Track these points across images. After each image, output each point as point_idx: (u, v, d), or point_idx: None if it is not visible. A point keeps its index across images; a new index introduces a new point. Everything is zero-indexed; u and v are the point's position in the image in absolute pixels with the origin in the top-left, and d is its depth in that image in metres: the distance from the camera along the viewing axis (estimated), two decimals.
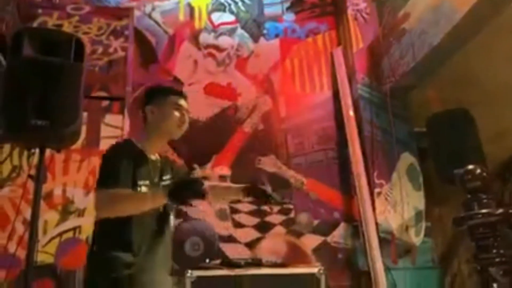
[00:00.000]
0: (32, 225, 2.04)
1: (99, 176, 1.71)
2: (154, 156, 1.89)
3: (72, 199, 3.03)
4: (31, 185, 2.14)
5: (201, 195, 1.62)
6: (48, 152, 2.22)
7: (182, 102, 1.92)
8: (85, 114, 2.93)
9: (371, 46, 3.96)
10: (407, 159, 3.74)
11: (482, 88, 3.51)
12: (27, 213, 2.58)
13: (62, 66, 2.13)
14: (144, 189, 1.74)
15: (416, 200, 3.62)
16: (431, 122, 3.50)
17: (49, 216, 2.96)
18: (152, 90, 2.02)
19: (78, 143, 2.77)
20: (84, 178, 3.10)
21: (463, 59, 3.29)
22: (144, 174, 1.78)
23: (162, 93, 1.93)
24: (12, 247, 2.76)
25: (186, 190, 1.63)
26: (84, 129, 2.99)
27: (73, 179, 3.08)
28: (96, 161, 3.14)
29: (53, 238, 2.93)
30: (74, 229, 2.97)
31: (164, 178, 1.89)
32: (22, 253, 2.35)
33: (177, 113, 1.89)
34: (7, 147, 3.09)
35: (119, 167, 1.70)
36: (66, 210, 3.00)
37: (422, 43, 3.31)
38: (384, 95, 3.77)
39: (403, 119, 3.83)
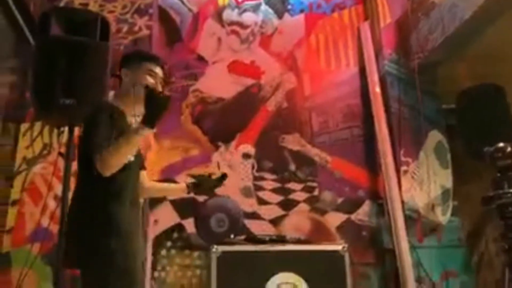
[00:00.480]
0: (63, 200, 2.11)
1: (91, 139, 1.76)
2: (133, 118, 1.91)
3: None
4: (61, 162, 2.20)
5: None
6: (76, 130, 2.27)
7: (157, 69, 1.95)
8: (111, 92, 2.97)
9: (399, 21, 3.85)
10: (435, 136, 3.67)
11: None
12: (58, 189, 2.67)
13: (88, 45, 2.16)
14: None
15: (443, 178, 3.57)
16: (461, 98, 3.41)
17: None
18: (128, 54, 2.07)
19: None
20: None
21: (495, 33, 3.16)
22: (125, 130, 1.83)
23: (137, 58, 1.98)
24: (45, 222, 2.88)
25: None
26: None
27: None
28: None
29: None
30: None
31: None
32: (54, 227, 2.44)
33: (150, 79, 1.92)
34: (38, 125, 3.18)
35: (105, 127, 1.77)
36: None
37: (453, 17, 3.19)
38: (412, 71, 3.68)
39: (432, 96, 3.74)
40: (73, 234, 1.81)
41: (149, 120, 1.70)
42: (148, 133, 1.75)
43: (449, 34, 3.25)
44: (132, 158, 1.84)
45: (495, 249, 3.48)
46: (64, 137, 2.20)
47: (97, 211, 1.77)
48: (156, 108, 1.72)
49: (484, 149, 2.69)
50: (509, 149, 2.59)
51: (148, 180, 2.19)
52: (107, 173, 1.72)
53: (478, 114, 3.17)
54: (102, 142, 1.72)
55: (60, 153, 2.21)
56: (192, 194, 2.16)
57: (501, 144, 2.61)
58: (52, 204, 2.93)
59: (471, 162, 3.29)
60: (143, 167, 2.11)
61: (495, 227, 2.96)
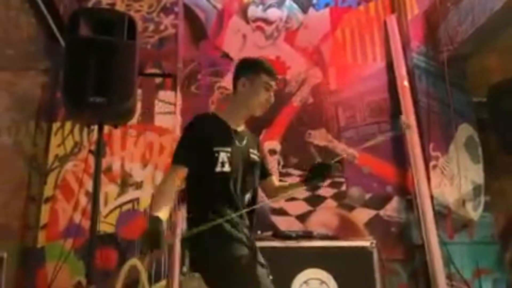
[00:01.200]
0: (94, 197, 2.17)
1: (176, 148, 1.86)
2: (239, 128, 1.93)
3: (130, 173, 3.17)
4: (91, 159, 2.26)
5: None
6: (106, 128, 2.32)
7: (272, 83, 1.93)
8: (139, 91, 3.03)
9: (427, 12, 3.77)
10: (465, 130, 3.59)
11: None
12: (89, 186, 2.75)
13: (116, 44, 2.20)
14: (222, 155, 1.80)
15: (474, 173, 3.48)
16: (493, 91, 3.33)
17: (109, 188, 3.12)
18: (247, 62, 2.01)
19: (134, 119, 2.88)
20: (140, 152, 3.23)
21: None
22: (222, 141, 1.83)
23: (256, 69, 1.93)
24: (77, 218, 2.96)
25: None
26: (139, 105, 3.09)
27: (131, 153, 3.22)
28: (151, 136, 3.26)
29: (113, 209, 3.09)
30: (132, 201, 3.12)
31: (252, 151, 1.94)
32: (86, 223, 2.51)
33: (266, 93, 1.91)
34: (68, 124, 3.27)
35: (189, 140, 1.83)
36: (125, 183, 3.15)
37: (483, 8, 3.10)
38: (441, 64, 3.60)
39: (462, 89, 3.65)
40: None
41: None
42: None
43: (479, 25, 3.16)
44: (227, 169, 1.82)
45: None
46: (94, 135, 2.25)
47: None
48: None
49: None
50: None
51: (276, 182, 2.16)
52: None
53: (510, 107, 3.09)
54: (174, 157, 1.82)
55: (90, 151, 2.27)
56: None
57: None
58: (83, 200, 3.01)
59: (503, 156, 3.20)
60: (266, 174, 2.08)
61: None
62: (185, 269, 2.63)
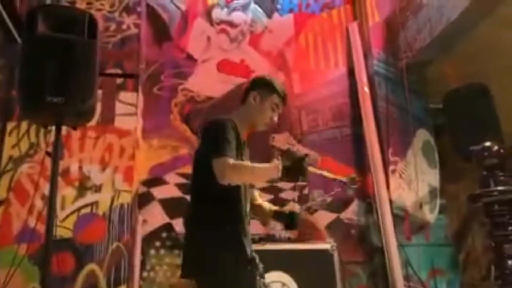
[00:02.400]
0: (50, 200, 2.09)
1: (213, 143, 1.78)
2: (242, 135, 1.95)
3: (88, 175, 3.08)
4: (48, 161, 2.17)
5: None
6: (64, 129, 2.25)
7: (281, 105, 2.02)
8: (99, 91, 2.95)
9: (388, 20, 3.88)
10: (422, 136, 3.71)
11: (500, 63, 3.43)
12: (46, 189, 2.65)
13: (76, 43, 2.13)
14: None
15: (431, 177, 3.60)
16: (448, 98, 3.45)
17: (66, 192, 3.02)
18: (263, 79, 2.08)
19: (94, 120, 2.80)
20: (100, 154, 3.15)
21: (481, 34, 3.20)
22: (240, 151, 1.87)
23: (270, 88, 2.00)
24: (32, 222, 2.84)
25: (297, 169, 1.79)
26: (99, 106, 3.01)
27: (89, 155, 3.12)
28: (111, 138, 3.18)
29: (71, 213, 3.00)
30: (91, 204, 3.03)
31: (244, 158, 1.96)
32: (41, 228, 2.41)
33: (272, 113, 1.99)
34: (24, 124, 3.14)
35: (230, 138, 1.79)
36: (83, 186, 3.06)
37: (440, 17, 3.23)
38: (400, 71, 3.71)
39: (419, 95, 3.78)
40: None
41: (287, 175, 1.77)
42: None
43: (436, 34, 3.29)
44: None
45: (482, 247, 3.53)
46: (52, 136, 2.17)
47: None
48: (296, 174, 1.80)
49: (471, 148, 2.73)
50: (495, 148, 2.64)
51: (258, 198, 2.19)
52: (222, 181, 1.73)
53: (465, 113, 3.21)
54: (226, 148, 1.75)
55: (47, 153, 2.18)
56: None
57: (487, 144, 2.66)
58: (39, 204, 2.90)
59: (458, 161, 3.33)
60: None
61: (482, 225, 3.00)
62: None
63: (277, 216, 2.12)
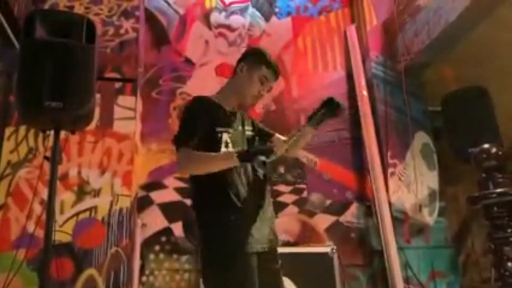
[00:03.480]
0: (49, 205, 2.08)
1: (178, 130, 1.79)
2: (230, 108, 1.91)
3: (87, 180, 3.07)
4: (47, 166, 2.17)
5: (267, 157, 1.66)
6: (62, 134, 2.24)
7: (271, 78, 1.92)
8: (98, 95, 2.94)
9: (385, 23, 3.89)
10: (421, 138, 3.71)
11: (499, 65, 3.44)
12: (44, 193, 2.64)
13: (74, 47, 2.13)
14: (225, 136, 1.80)
15: (430, 179, 3.60)
16: (446, 100, 3.45)
17: (65, 196, 3.01)
18: (254, 51, 2.03)
19: (92, 125, 2.80)
20: (98, 159, 3.14)
21: (479, 35, 3.21)
22: (223, 122, 1.83)
23: (259, 60, 1.92)
24: (30, 227, 2.83)
25: (256, 154, 1.67)
26: (97, 110, 3.00)
27: (88, 160, 3.11)
28: (110, 142, 3.18)
29: (70, 218, 2.99)
30: (90, 209, 3.02)
31: (246, 128, 1.94)
32: (40, 233, 2.40)
33: (260, 86, 1.91)
34: (22, 129, 3.13)
35: (194, 120, 1.78)
36: (82, 190, 3.04)
37: (438, 19, 3.24)
38: (398, 73, 3.71)
39: (418, 98, 3.78)
40: None
41: (245, 158, 1.68)
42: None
43: (434, 36, 3.29)
44: (232, 149, 1.80)
45: (482, 249, 3.53)
46: (50, 141, 2.17)
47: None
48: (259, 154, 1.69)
49: (470, 150, 2.73)
50: (493, 150, 2.64)
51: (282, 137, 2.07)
52: (177, 171, 1.74)
53: (464, 116, 3.22)
54: (182, 136, 1.76)
55: (45, 157, 2.18)
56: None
57: (485, 146, 2.66)
58: (38, 209, 2.89)
59: (457, 163, 3.33)
60: (270, 136, 2.06)
61: (481, 228, 3.00)
62: None
63: (314, 116, 1.89)
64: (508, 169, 2.75)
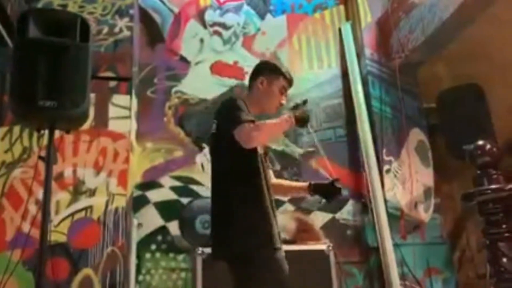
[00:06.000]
0: (44, 205, 2.07)
1: (229, 117, 1.84)
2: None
3: (82, 180, 3.06)
4: (42, 166, 2.16)
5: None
6: (57, 133, 2.23)
7: (288, 88, 2.07)
8: (92, 95, 2.93)
9: (380, 21, 3.90)
10: (416, 135, 3.72)
11: (493, 63, 3.46)
12: (39, 194, 2.63)
13: (68, 46, 2.12)
14: None
15: (425, 176, 3.62)
16: (441, 98, 3.47)
17: (60, 196, 3.00)
18: (268, 64, 2.17)
19: (87, 124, 2.79)
20: (94, 158, 3.13)
21: (474, 33, 3.22)
22: None
23: (276, 72, 2.05)
24: (26, 227, 2.82)
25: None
26: (92, 110, 2.99)
27: (83, 159, 3.10)
28: (105, 142, 3.16)
29: (65, 218, 2.97)
30: (85, 209, 3.01)
31: None
32: (35, 233, 2.39)
33: (280, 96, 2.04)
34: (17, 129, 3.12)
35: (244, 109, 1.86)
36: (77, 190, 3.03)
37: (432, 17, 3.24)
38: (393, 71, 3.72)
39: (413, 95, 3.79)
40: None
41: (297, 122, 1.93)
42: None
43: (429, 34, 3.30)
44: (260, 151, 1.92)
45: (477, 245, 3.55)
46: (45, 140, 2.16)
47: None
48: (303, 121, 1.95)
49: (464, 147, 2.74)
50: (488, 146, 2.65)
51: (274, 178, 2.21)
52: (249, 144, 1.78)
53: (458, 113, 3.24)
54: (245, 116, 1.80)
55: (40, 157, 2.17)
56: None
57: (480, 142, 2.67)
58: (33, 209, 2.87)
59: (452, 160, 3.35)
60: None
61: (476, 224, 3.02)
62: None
63: (316, 188, 2.14)
64: (502, 165, 2.77)
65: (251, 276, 1.74)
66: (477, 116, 3.14)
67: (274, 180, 2.17)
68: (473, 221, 3.46)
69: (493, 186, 2.55)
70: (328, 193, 2.10)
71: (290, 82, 2.07)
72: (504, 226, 2.50)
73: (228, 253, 1.82)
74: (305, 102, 1.98)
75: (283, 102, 2.05)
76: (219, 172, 1.94)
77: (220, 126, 1.90)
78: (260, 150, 1.94)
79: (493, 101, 3.19)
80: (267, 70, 2.07)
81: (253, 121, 1.80)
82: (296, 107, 1.97)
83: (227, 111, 1.88)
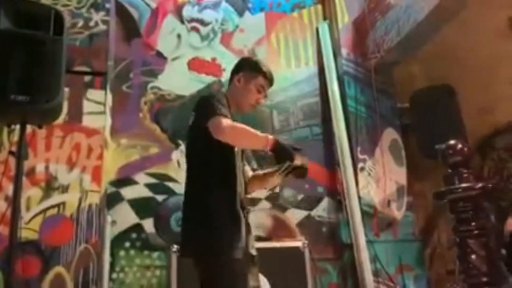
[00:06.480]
0: (14, 202, 2.02)
1: (208, 109, 1.79)
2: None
3: (55, 176, 3.00)
4: (12, 161, 2.11)
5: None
6: (29, 128, 2.18)
7: (267, 87, 2.01)
8: (66, 89, 2.87)
9: (357, 21, 3.94)
10: (390, 134, 3.79)
11: (466, 64, 3.55)
12: (9, 190, 2.56)
13: (42, 39, 2.07)
14: None
15: (398, 175, 3.69)
16: (414, 98, 3.54)
17: (32, 192, 2.93)
18: (248, 61, 2.11)
19: (60, 119, 2.73)
20: (67, 154, 3.06)
21: (447, 35, 3.30)
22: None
23: (256, 70, 1.99)
24: None
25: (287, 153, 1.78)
26: (66, 104, 2.92)
27: (56, 155, 3.03)
28: (79, 137, 3.10)
29: (36, 214, 2.91)
30: (58, 205, 2.95)
31: None
32: (5, 230, 2.33)
33: (257, 95, 1.98)
34: None
35: (225, 105, 1.81)
36: (50, 186, 2.97)
37: (407, 18, 3.30)
38: (368, 71, 3.78)
39: (387, 95, 3.85)
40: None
41: (279, 158, 1.80)
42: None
43: (404, 35, 3.36)
44: (236, 148, 1.88)
45: (447, 243, 3.64)
46: (16, 135, 2.10)
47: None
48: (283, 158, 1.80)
49: (436, 146, 2.80)
50: (459, 146, 2.71)
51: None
52: (218, 135, 1.73)
53: (431, 113, 3.30)
54: (223, 110, 1.76)
55: (10, 152, 2.11)
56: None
57: (452, 142, 2.73)
58: (2, 205, 2.80)
59: (424, 159, 3.42)
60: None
61: (447, 222, 3.09)
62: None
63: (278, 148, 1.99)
64: (472, 164, 2.84)
65: (209, 276, 1.72)
66: (449, 116, 3.21)
67: (250, 173, 2.13)
68: (444, 219, 3.55)
69: (464, 185, 2.61)
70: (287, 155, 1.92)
71: (270, 81, 2.02)
72: (473, 224, 2.55)
73: (192, 251, 1.80)
74: (299, 149, 1.84)
75: (261, 101, 2.01)
76: (193, 166, 1.91)
77: (198, 118, 1.86)
78: (238, 149, 1.92)
79: (464, 102, 3.27)
80: (247, 67, 2.02)
81: (227, 116, 1.77)
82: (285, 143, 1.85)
83: (207, 103, 1.83)
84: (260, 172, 2.15)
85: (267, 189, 3.01)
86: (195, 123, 1.87)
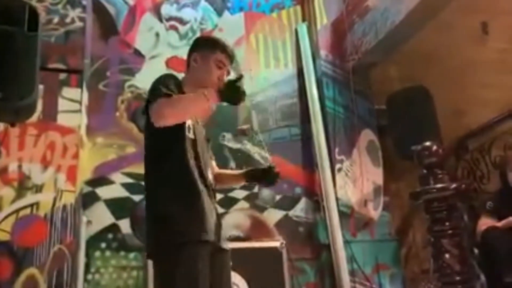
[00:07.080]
0: None
1: (153, 92, 1.67)
2: None
3: (28, 175, 2.93)
4: None
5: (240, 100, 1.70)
6: (1, 126, 2.13)
7: (227, 62, 1.87)
8: (41, 87, 2.80)
9: (335, 23, 3.97)
10: (367, 135, 3.83)
11: (442, 67, 3.62)
12: None
13: (15, 35, 2.01)
14: (188, 121, 1.74)
15: (375, 175, 3.73)
16: (391, 99, 3.59)
17: (4, 192, 2.85)
18: (202, 39, 2.03)
19: (34, 117, 2.67)
20: (41, 153, 2.99)
21: (424, 37, 3.36)
22: None
23: (212, 46, 1.87)
24: None
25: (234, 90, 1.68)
26: (40, 102, 2.86)
27: (30, 154, 2.96)
28: (53, 136, 3.04)
29: (9, 215, 2.83)
30: (31, 205, 2.88)
31: (204, 129, 1.94)
32: None
33: (218, 71, 1.84)
34: None
35: (169, 86, 1.67)
36: (23, 186, 2.90)
37: (385, 21, 3.35)
38: (346, 72, 3.81)
39: (365, 97, 3.90)
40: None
41: (223, 96, 1.67)
42: (211, 104, 1.68)
43: (381, 37, 3.40)
44: (191, 136, 1.74)
45: (422, 242, 3.70)
46: None
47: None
48: (233, 96, 1.69)
49: (412, 148, 2.85)
50: (434, 148, 2.77)
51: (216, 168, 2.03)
52: (159, 122, 1.59)
53: (407, 115, 3.35)
54: (164, 91, 1.62)
55: None
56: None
57: (427, 143, 2.78)
58: None
59: (400, 160, 3.47)
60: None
61: (422, 221, 3.14)
62: None
63: (251, 175, 2.00)
64: (447, 165, 2.90)
65: (163, 273, 1.62)
66: (425, 117, 3.27)
67: (216, 169, 2.03)
68: (419, 219, 3.61)
69: (438, 186, 2.67)
70: (266, 177, 1.96)
71: (230, 56, 1.88)
72: (447, 223, 2.61)
73: (149, 250, 1.70)
74: (239, 78, 1.70)
75: (222, 78, 1.84)
76: (145, 159, 1.78)
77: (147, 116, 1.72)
78: (191, 135, 1.76)
79: (440, 104, 3.33)
80: (202, 46, 1.90)
81: (170, 95, 1.63)
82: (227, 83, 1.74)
83: (151, 87, 1.71)
84: (228, 171, 2.12)
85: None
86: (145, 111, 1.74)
